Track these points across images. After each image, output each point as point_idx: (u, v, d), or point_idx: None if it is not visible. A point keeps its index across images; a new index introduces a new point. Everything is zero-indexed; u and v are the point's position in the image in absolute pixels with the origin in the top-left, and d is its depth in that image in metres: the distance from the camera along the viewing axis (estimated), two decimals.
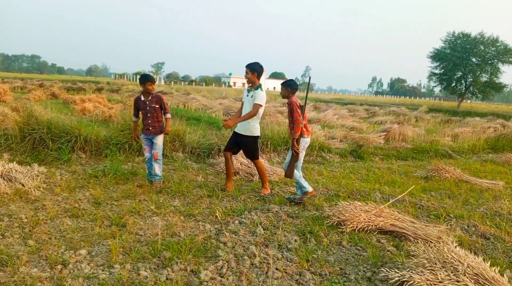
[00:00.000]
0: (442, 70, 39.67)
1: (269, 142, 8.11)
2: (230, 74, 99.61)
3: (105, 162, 6.38)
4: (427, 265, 3.02)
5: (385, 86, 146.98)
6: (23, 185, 4.80)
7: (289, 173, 4.82)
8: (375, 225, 4.12)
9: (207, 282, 2.94)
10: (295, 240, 3.81)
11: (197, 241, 3.59)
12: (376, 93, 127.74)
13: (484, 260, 3.16)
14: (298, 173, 4.87)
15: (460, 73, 38.83)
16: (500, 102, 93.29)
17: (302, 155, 4.94)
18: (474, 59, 37.97)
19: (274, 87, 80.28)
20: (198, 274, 3.03)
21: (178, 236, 3.73)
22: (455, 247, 3.23)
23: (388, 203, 4.88)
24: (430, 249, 3.26)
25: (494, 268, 2.99)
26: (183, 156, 7.32)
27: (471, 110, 30.91)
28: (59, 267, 3.03)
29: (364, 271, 3.32)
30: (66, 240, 3.53)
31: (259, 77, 5.07)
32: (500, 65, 37.07)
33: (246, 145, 5.12)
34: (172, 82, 70.13)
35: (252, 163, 5.54)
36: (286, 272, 3.20)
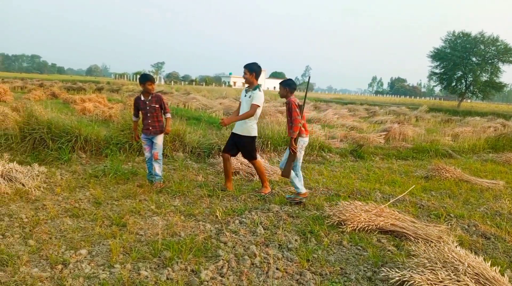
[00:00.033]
0: (442, 70, 39.61)
1: (269, 142, 8.10)
2: (230, 73, 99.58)
3: (106, 162, 6.38)
4: (428, 264, 3.02)
5: (385, 86, 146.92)
6: (23, 185, 4.80)
7: (286, 172, 4.81)
8: (375, 225, 4.12)
9: (207, 282, 2.94)
10: (296, 240, 3.81)
11: (198, 241, 3.59)
12: (376, 92, 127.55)
13: (484, 259, 3.16)
14: (293, 173, 4.87)
15: (460, 73, 38.78)
16: (500, 102, 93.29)
17: (301, 154, 4.93)
18: (474, 59, 37.91)
19: (274, 87, 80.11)
20: (199, 273, 3.03)
21: (179, 236, 3.73)
22: (456, 247, 3.23)
23: (389, 202, 4.89)
24: (430, 249, 3.26)
25: (494, 267, 2.99)
26: (184, 156, 7.32)
27: (472, 110, 30.88)
28: (60, 267, 3.03)
29: (364, 270, 3.32)
30: (66, 240, 3.53)
31: (257, 77, 5.07)
32: (500, 64, 37.01)
33: (244, 146, 5.12)
34: (172, 81, 70.14)
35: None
36: (286, 272, 3.20)
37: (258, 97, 4.96)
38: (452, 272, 2.88)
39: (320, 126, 11.30)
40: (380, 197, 5.47)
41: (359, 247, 3.77)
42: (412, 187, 5.82)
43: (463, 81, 39.22)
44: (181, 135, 7.58)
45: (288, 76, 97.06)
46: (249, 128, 5.05)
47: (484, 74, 37.93)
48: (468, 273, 2.85)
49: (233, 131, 5.20)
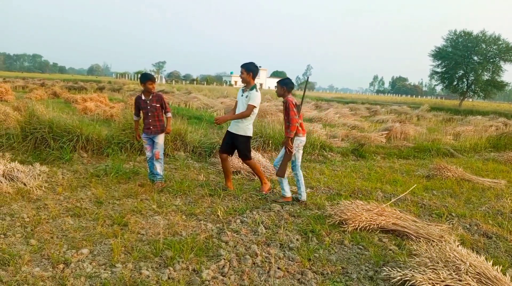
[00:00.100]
0: (444, 69, 39.50)
1: (270, 141, 8.10)
2: (231, 73, 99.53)
3: (107, 162, 6.39)
4: (429, 264, 3.02)
5: (386, 85, 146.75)
6: (25, 184, 4.80)
7: (281, 172, 4.81)
8: (377, 224, 4.11)
9: (209, 281, 2.94)
10: (297, 239, 3.81)
11: (199, 240, 3.59)
12: (378, 91, 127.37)
13: (486, 259, 3.16)
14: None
15: (461, 72, 38.66)
16: (502, 101, 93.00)
17: (299, 154, 4.91)
18: (475, 58, 37.79)
19: (275, 86, 79.91)
20: (200, 273, 3.03)
21: (180, 235, 3.73)
22: (457, 246, 3.22)
23: (390, 202, 4.88)
24: (432, 248, 3.25)
25: (496, 267, 2.99)
26: (185, 155, 7.32)
27: (473, 109, 30.81)
28: (61, 266, 3.03)
29: (366, 270, 3.31)
30: (68, 239, 3.53)
31: (254, 77, 5.06)
32: (502, 63, 36.85)
33: (239, 145, 5.11)
34: (174, 81, 70.18)
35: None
36: (288, 271, 3.20)
37: (255, 97, 4.95)
38: (454, 272, 2.87)
39: (321, 125, 11.31)
40: (381, 196, 5.46)
41: (360, 247, 3.77)
42: (414, 186, 5.81)
43: (464, 80, 39.10)
44: (182, 134, 7.58)
45: (289, 75, 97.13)
46: (245, 127, 5.04)
47: (485, 73, 37.81)
48: (470, 273, 2.85)
49: (229, 129, 5.20)
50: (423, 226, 4.08)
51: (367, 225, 4.10)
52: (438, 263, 3.00)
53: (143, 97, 5.29)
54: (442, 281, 2.81)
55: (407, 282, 2.90)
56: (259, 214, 4.36)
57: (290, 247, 3.64)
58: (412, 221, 4.20)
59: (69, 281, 2.82)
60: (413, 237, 3.93)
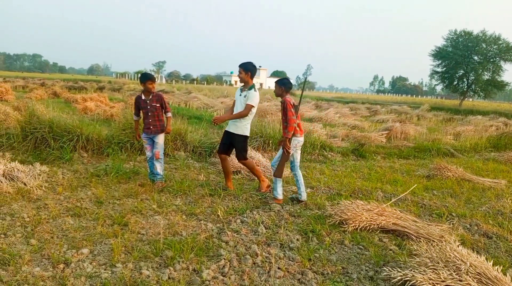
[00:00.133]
0: (444, 68, 39.49)
1: (270, 141, 8.10)
2: (231, 72, 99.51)
3: (107, 161, 6.39)
4: (430, 264, 3.01)
5: (386, 85, 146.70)
6: (25, 184, 4.80)
7: (278, 172, 4.80)
8: (377, 224, 4.11)
9: (209, 281, 2.94)
10: (297, 239, 3.81)
11: (199, 240, 3.59)
12: (378, 91, 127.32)
13: (486, 259, 3.15)
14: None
15: (462, 71, 38.65)
16: (502, 100, 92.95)
17: (297, 154, 4.91)
18: (476, 57, 37.78)
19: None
20: (200, 273, 3.03)
21: (180, 235, 3.73)
22: (458, 246, 3.22)
23: (390, 202, 4.88)
24: (432, 248, 3.25)
25: (496, 267, 2.98)
26: (185, 155, 7.32)
27: (473, 109, 30.81)
28: (61, 266, 3.03)
29: (366, 270, 3.31)
30: (68, 239, 3.53)
31: (252, 77, 5.06)
32: (502, 63, 36.86)
33: (236, 144, 5.10)
34: (174, 81, 70.16)
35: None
36: (288, 271, 3.20)
37: (253, 97, 4.95)
38: (454, 272, 2.87)
39: (321, 125, 11.31)
40: (381, 196, 5.46)
41: (360, 247, 3.77)
42: (414, 186, 5.81)
43: (465, 79, 39.10)
44: (183, 134, 7.58)
45: (289, 75, 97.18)
46: (243, 127, 5.04)
47: (486, 73, 37.80)
48: (470, 273, 2.85)
49: (226, 129, 5.19)
50: (423, 226, 4.08)
51: (367, 225, 4.10)
52: (438, 263, 3.00)
53: (143, 97, 5.29)
54: (443, 281, 2.81)
55: (408, 282, 2.90)
56: (259, 214, 4.36)
57: (290, 247, 3.64)
58: (413, 221, 4.20)
59: (69, 281, 2.82)
60: (413, 237, 3.92)
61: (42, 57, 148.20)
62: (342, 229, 4.09)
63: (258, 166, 6.35)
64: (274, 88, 4.98)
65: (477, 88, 38.83)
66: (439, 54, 38.98)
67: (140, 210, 4.34)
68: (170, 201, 4.72)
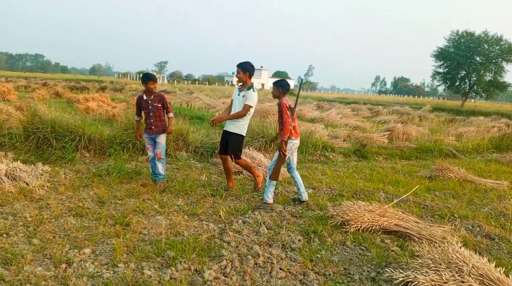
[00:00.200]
0: (446, 69, 39.43)
1: (272, 142, 8.08)
2: (233, 73, 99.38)
3: (109, 161, 6.39)
4: (432, 265, 3.01)
5: (388, 85, 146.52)
6: (27, 184, 4.82)
7: (275, 175, 4.79)
8: (379, 225, 4.11)
9: (211, 281, 2.94)
10: (299, 240, 3.80)
11: (201, 241, 3.60)
12: (380, 92, 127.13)
13: (489, 260, 3.14)
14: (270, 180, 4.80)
15: (464, 72, 38.61)
16: (504, 101, 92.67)
17: (293, 156, 4.90)
18: (478, 58, 37.73)
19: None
20: (202, 273, 3.03)
21: (182, 235, 3.74)
22: (460, 248, 3.21)
23: (392, 203, 4.87)
24: (434, 250, 3.24)
25: (499, 269, 2.97)
26: (187, 155, 7.33)
27: (475, 109, 30.74)
28: (64, 266, 3.04)
29: (368, 271, 3.31)
30: (70, 239, 3.54)
31: (250, 76, 5.06)
32: (504, 64, 36.81)
33: (231, 142, 5.09)
34: (175, 81, 70.23)
35: (250, 164, 5.52)
36: (290, 272, 3.20)
37: (252, 97, 4.95)
38: (457, 273, 2.86)
39: (323, 125, 11.28)
40: (383, 197, 5.45)
41: (362, 248, 3.76)
42: (416, 187, 5.79)
43: (466, 80, 39.04)
44: (184, 134, 7.58)
45: (291, 76, 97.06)
46: (241, 126, 5.04)
47: (488, 74, 37.75)
48: (473, 274, 2.84)
49: (224, 128, 5.19)
50: (425, 227, 4.07)
51: (369, 226, 4.09)
52: (440, 264, 2.99)
53: (144, 97, 5.30)
54: (445, 283, 2.80)
55: (410, 283, 2.89)
56: (261, 215, 4.36)
57: (292, 248, 3.64)
58: (415, 222, 4.19)
59: (71, 280, 2.83)
60: (415, 238, 3.91)
61: (44, 57, 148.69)
62: (344, 230, 4.08)
63: (260, 166, 6.36)
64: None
65: (479, 89, 38.77)
66: (441, 54, 38.92)
67: (142, 210, 4.34)
68: (172, 201, 4.72)
